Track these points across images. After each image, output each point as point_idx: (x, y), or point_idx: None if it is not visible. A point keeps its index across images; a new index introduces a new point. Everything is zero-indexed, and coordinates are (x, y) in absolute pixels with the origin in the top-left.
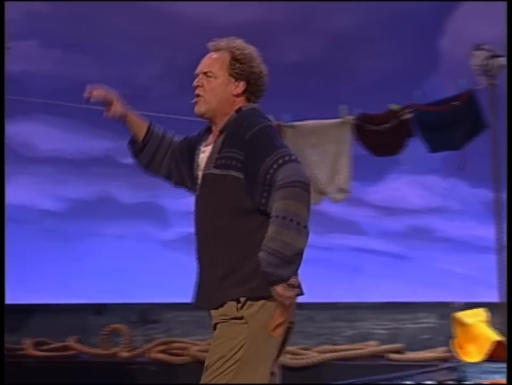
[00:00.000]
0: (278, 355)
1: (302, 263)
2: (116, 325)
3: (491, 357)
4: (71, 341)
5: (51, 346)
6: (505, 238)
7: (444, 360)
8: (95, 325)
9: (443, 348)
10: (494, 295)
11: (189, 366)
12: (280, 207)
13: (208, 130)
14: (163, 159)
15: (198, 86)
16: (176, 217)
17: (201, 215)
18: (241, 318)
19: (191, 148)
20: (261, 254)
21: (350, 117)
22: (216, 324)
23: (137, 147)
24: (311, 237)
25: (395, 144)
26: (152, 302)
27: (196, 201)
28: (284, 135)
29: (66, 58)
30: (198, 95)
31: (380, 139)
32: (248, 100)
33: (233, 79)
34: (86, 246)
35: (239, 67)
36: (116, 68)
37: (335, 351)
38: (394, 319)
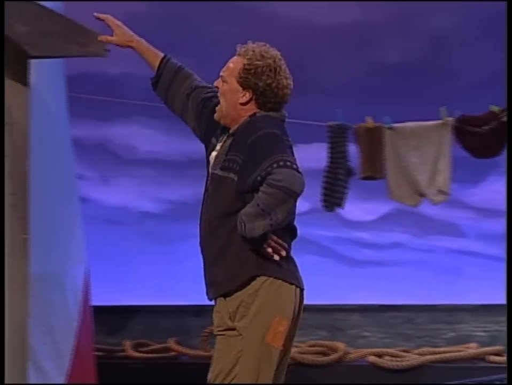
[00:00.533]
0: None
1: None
2: None
3: None
4: (171, 343)
5: (150, 347)
6: None
7: None
8: (195, 326)
9: None
10: None
11: (289, 367)
12: (260, 196)
13: (226, 129)
14: (175, 95)
15: (216, 87)
16: None
17: (204, 212)
18: (233, 329)
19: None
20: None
21: (451, 118)
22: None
23: (153, 79)
24: (410, 239)
25: (495, 145)
26: None
27: (204, 198)
28: (383, 137)
29: None
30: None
31: (481, 141)
32: (263, 108)
33: (240, 88)
34: (186, 248)
35: (244, 77)
36: (214, 69)
37: (435, 353)
38: (494, 321)
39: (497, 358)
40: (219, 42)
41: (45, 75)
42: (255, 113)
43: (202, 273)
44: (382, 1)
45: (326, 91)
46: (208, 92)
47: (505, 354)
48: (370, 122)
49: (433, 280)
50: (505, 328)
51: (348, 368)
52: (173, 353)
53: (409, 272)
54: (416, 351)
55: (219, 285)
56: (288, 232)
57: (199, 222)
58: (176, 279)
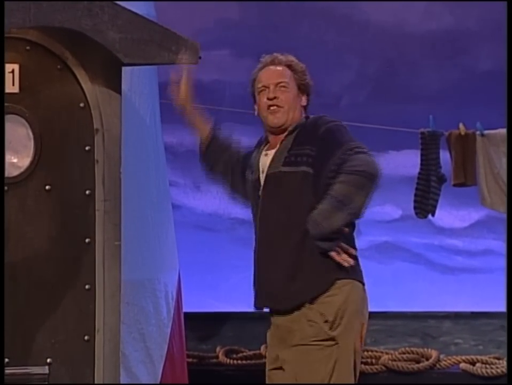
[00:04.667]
0: None
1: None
2: None
3: None
4: (263, 350)
5: (242, 354)
6: None
7: None
8: None
9: None
10: None
11: (381, 374)
12: (334, 187)
13: (266, 138)
14: (225, 167)
15: (274, 98)
16: (367, 225)
17: (266, 214)
18: (333, 339)
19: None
20: (309, 225)
21: None
22: (299, 345)
23: (201, 150)
24: (502, 246)
25: None
26: None
27: (259, 202)
28: (475, 144)
29: (257, 66)
30: (278, 106)
31: None
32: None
33: (299, 92)
34: None
35: (303, 78)
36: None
37: None
38: None
39: None
40: (311, 49)
41: (138, 82)
42: (308, 116)
43: (259, 275)
44: (475, 7)
45: (418, 98)
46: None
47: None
48: (462, 128)
49: None
50: None
51: (440, 375)
52: (265, 360)
53: (501, 279)
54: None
55: (300, 294)
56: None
57: (258, 227)
58: None
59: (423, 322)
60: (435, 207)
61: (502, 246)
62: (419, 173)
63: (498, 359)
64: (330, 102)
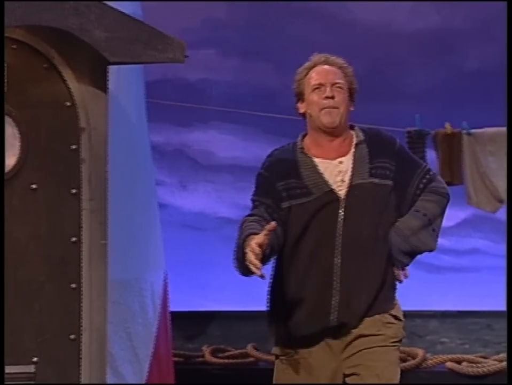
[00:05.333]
0: None
1: None
2: None
3: None
4: (249, 349)
5: (229, 353)
6: None
7: None
8: None
9: None
10: None
11: None
12: (426, 205)
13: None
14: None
15: (332, 97)
16: None
17: (353, 225)
18: (401, 340)
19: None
20: (397, 238)
21: None
22: (378, 346)
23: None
24: (489, 245)
25: None
26: None
27: (339, 212)
28: (461, 143)
29: (244, 65)
30: (334, 107)
31: None
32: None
33: (349, 96)
34: None
35: (353, 83)
36: (293, 75)
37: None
38: None
39: None
40: (298, 48)
41: (124, 81)
42: (353, 125)
43: (338, 289)
44: (462, 7)
45: (405, 97)
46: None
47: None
48: (448, 127)
49: None
50: None
51: (426, 374)
52: (251, 359)
53: (487, 278)
54: (494, 357)
55: (384, 303)
56: None
57: (332, 237)
58: (254, 284)
59: (409, 321)
60: None
61: (488, 245)
62: None
63: (485, 358)
64: None
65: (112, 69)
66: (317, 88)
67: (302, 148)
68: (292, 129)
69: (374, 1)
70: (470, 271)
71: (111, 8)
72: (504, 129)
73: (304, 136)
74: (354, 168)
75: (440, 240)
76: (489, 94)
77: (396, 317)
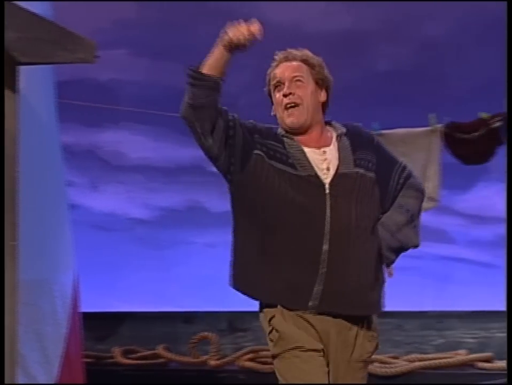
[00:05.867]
0: None
1: None
2: (205, 334)
3: None
4: (160, 350)
5: (140, 354)
6: None
7: None
8: (184, 333)
9: None
10: None
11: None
12: (408, 201)
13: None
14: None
15: (290, 93)
16: None
17: (339, 213)
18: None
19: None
20: (385, 233)
21: (440, 125)
22: (358, 361)
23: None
24: None
25: (484, 152)
26: (241, 310)
27: (326, 199)
28: None
29: (154, 65)
30: (295, 104)
31: (470, 148)
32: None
33: (317, 87)
34: (175, 255)
35: (320, 73)
36: None
37: (424, 359)
38: (483, 328)
39: (486, 365)
40: (209, 48)
41: (34, 82)
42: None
43: (323, 276)
44: (374, 8)
45: None
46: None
47: (495, 360)
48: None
49: (423, 287)
50: (494, 335)
51: None
52: (162, 360)
53: (398, 278)
54: (405, 358)
55: (374, 306)
56: None
57: (319, 225)
58: (165, 285)
59: None
60: None
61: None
62: None
63: (396, 358)
64: (229, 102)
65: (22, 69)
66: (277, 86)
67: (285, 132)
68: None
69: (285, 2)
70: None
71: (22, 8)
72: (414, 130)
73: None
74: (339, 158)
75: None
76: (400, 95)
77: (377, 330)
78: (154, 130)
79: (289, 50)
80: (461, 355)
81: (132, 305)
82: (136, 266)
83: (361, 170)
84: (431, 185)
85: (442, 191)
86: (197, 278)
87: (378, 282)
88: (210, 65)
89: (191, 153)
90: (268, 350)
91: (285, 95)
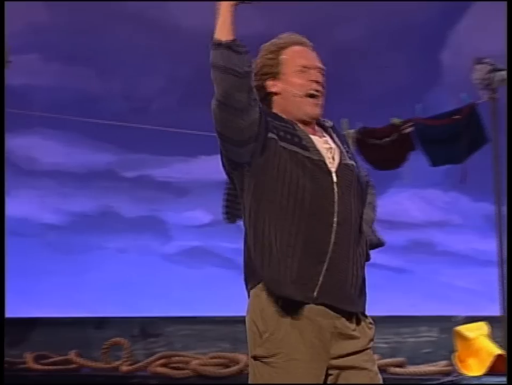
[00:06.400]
0: None
1: None
2: (117, 339)
3: (492, 371)
4: (72, 355)
5: (51, 359)
6: (505, 252)
7: (446, 373)
8: (96, 338)
9: (444, 362)
10: (495, 309)
11: (190, 379)
12: (374, 199)
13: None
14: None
15: (319, 82)
16: (177, 230)
17: (344, 205)
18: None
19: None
20: (368, 230)
21: (352, 131)
22: (368, 348)
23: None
24: None
25: (396, 157)
26: (153, 315)
27: (334, 189)
28: None
29: (67, 70)
30: (321, 94)
31: (382, 153)
32: None
33: None
34: (87, 260)
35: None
36: (118, 80)
37: None
38: (395, 333)
39: (398, 370)
40: (121, 52)
41: None
42: None
43: (330, 269)
44: (284, 12)
45: None
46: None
47: (407, 365)
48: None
49: None
50: (406, 340)
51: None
52: (74, 366)
53: None
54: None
55: (364, 300)
56: None
57: (328, 216)
58: (78, 291)
59: (233, 326)
60: None
61: None
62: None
63: None
64: (141, 106)
65: None
66: (300, 70)
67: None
68: (117, 134)
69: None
70: None
71: None
72: None
73: None
74: (339, 147)
75: None
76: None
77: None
78: (66, 135)
79: (298, 35)
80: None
81: (45, 311)
82: (48, 271)
83: (354, 163)
84: None
85: None
86: (109, 284)
87: (365, 279)
88: (232, 30)
89: (104, 158)
90: (180, 355)
91: (317, 82)
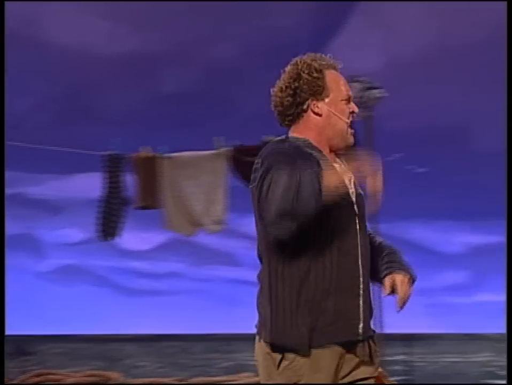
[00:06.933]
0: None
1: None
2: None
3: None
4: None
5: None
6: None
7: None
8: None
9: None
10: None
11: None
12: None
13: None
14: None
15: (355, 113)
16: (51, 248)
17: (357, 236)
18: None
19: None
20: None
21: (225, 148)
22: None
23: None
24: (186, 268)
25: None
26: (27, 334)
27: (352, 219)
28: (160, 167)
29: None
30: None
31: None
32: None
33: None
34: None
35: None
36: None
37: (210, 382)
38: None
39: None
40: None
41: None
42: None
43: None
44: (161, 30)
45: (103, 121)
46: None
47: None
48: (146, 151)
49: (210, 310)
50: None
51: None
52: None
53: (185, 301)
54: (192, 380)
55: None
56: None
57: (359, 249)
58: None
59: (106, 344)
60: (118, 229)
61: (186, 268)
62: (102, 196)
63: (181, 381)
64: (13, 123)
65: None
66: (347, 100)
67: (311, 144)
68: None
69: (70, 24)
70: (168, 295)
71: None
72: (201, 153)
73: (286, 136)
74: (349, 178)
75: (138, 264)
76: (188, 118)
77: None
78: None
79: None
80: (246, 378)
81: None
82: None
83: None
84: (218, 208)
85: (230, 214)
86: None
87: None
88: None
89: None
90: (54, 374)
91: (355, 114)
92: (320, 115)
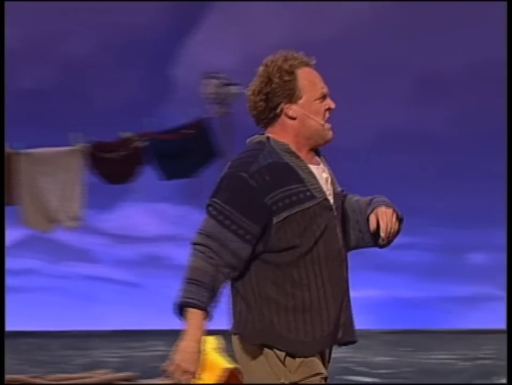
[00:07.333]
0: None
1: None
2: None
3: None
4: None
5: None
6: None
7: None
8: None
9: None
10: (224, 323)
11: None
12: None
13: (291, 151)
14: None
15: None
16: None
17: (339, 240)
18: None
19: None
20: None
21: (81, 144)
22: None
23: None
24: (43, 265)
25: (127, 171)
26: None
27: (332, 223)
28: (18, 164)
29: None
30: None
31: (113, 167)
32: None
33: None
34: None
35: None
36: None
37: (66, 379)
38: (126, 347)
39: (127, 384)
40: None
41: None
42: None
43: (329, 306)
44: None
45: None
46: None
47: (139, 379)
48: (6, 148)
49: (67, 307)
50: (137, 354)
51: None
52: None
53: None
54: (49, 377)
55: (352, 331)
56: None
57: (328, 251)
58: None
59: None
60: None
61: (42, 265)
62: None
63: (37, 377)
64: None
65: None
66: (321, 99)
67: (289, 149)
68: None
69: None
70: (24, 292)
71: None
72: (57, 149)
73: (268, 137)
74: (331, 180)
75: None
76: (43, 114)
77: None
78: None
79: (304, 54)
80: (103, 375)
81: None
82: None
83: (339, 188)
84: (74, 205)
85: (87, 210)
86: None
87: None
88: None
89: None
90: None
91: (331, 110)
92: (294, 118)
